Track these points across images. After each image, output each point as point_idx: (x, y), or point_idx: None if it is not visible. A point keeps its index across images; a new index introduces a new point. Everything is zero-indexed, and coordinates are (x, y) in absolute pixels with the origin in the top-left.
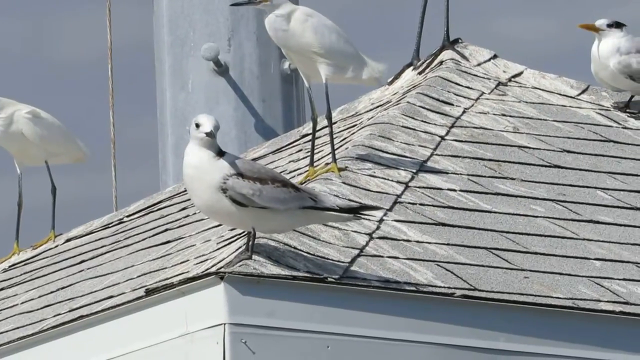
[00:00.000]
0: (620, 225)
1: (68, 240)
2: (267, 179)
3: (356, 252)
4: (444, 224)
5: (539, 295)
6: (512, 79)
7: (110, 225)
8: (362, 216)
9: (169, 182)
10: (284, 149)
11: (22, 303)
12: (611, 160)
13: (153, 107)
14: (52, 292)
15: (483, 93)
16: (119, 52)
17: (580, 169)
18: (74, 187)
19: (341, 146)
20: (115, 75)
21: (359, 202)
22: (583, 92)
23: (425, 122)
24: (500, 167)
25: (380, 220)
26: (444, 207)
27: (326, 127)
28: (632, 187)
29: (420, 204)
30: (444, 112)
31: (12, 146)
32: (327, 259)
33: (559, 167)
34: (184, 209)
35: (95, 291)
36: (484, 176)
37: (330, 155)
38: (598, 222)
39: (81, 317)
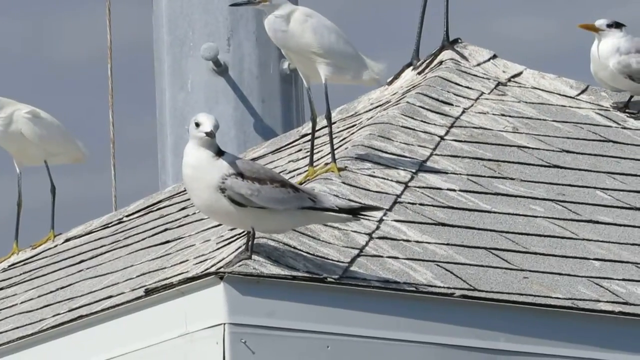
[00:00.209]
0: (620, 225)
1: (67, 240)
2: (266, 179)
3: (356, 252)
4: (443, 224)
5: (538, 296)
6: (512, 79)
7: (110, 225)
8: (362, 217)
9: (168, 182)
10: (283, 148)
11: (21, 303)
12: (610, 161)
13: (152, 106)
14: (51, 292)
15: (482, 93)
16: (119, 51)
17: (580, 169)
18: (73, 187)
19: (341, 146)
20: (115, 75)
21: (359, 202)
22: (582, 92)
23: (424, 122)
24: (500, 167)
25: (380, 220)
26: (444, 207)
27: (325, 127)
28: (632, 187)
29: (420, 204)
30: (444, 112)
31: (12, 146)
32: (327, 259)
33: (558, 167)
34: (183, 208)
35: (95, 291)
36: (484, 176)
37: (330, 155)
38: (597, 222)
39: (80, 317)
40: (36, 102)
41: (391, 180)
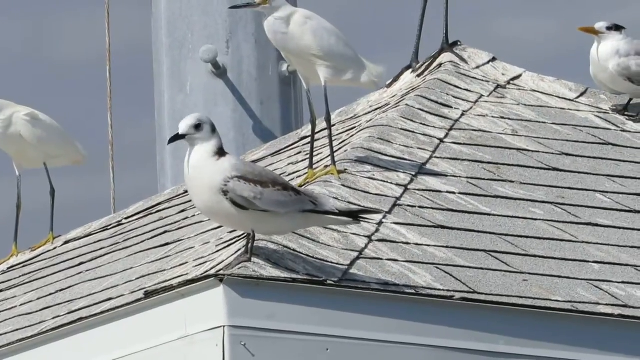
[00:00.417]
0: (619, 228)
1: (66, 242)
2: (268, 182)
3: (355, 254)
4: (443, 227)
5: (537, 298)
6: (511, 82)
7: (109, 228)
8: (362, 220)
9: (167, 185)
10: (283, 151)
11: (20, 305)
12: (610, 163)
13: (151, 109)
14: (51, 294)
15: (482, 96)
16: (118, 53)
17: (579, 172)
18: (72, 189)
19: (340, 148)
20: (114, 76)
21: (359, 205)
22: (582, 94)
23: (424, 124)
24: (499, 169)
25: (380, 223)
26: (443, 209)
27: (325, 129)
28: (631, 190)
29: (420, 207)
30: (443, 114)
31: (11, 148)
32: (327, 261)
33: (557, 169)
34: (182, 211)
35: (94, 293)
36: (483, 179)
37: (330, 158)
38: (597, 225)
39: (80, 319)
40: (35, 103)
41: (391, 183)
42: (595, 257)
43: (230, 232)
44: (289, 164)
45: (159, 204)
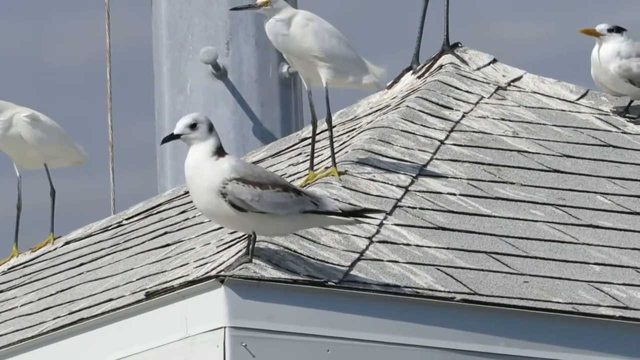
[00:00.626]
0: (620, 229)
1: (67, 243)
2: (268, 184)
3: (356, 256)
4: (443, 228)
5: (538, 300)
6: (512, 84)
7: (109, 228)
8: (364, 220)
9: (167, 186)
10: (283, 152)
11: (21, 306)
12: (610, 165)
13: (151, 110)
14: (51, 295)
15: (482, 97)
16: (118, 55)
17: (580, 174)
18: (72, 189)
19: (341, 150)
20: (114, 78)
21: (361, 206)
22: (582, 96)
23: (424, 126)
24: (500, 171)
25: (380, 224)
26: (444, 211)
27: (326, 130)
28: (632, 192)
29: (420, 208)
30: (444, 116)
31: (11, 149)
32: (327, 262)
33: (558, 171)
34: (183, 212)
35: (95, 294)
36: (484, 180)
37: (330, 159)
38: (598, 227)
39: (81, 320)
40: (35, 104)
41: (391, 185)
42: (596, 259)
43: (231, 233)
44: (289, 166)
45: (160, 204)
